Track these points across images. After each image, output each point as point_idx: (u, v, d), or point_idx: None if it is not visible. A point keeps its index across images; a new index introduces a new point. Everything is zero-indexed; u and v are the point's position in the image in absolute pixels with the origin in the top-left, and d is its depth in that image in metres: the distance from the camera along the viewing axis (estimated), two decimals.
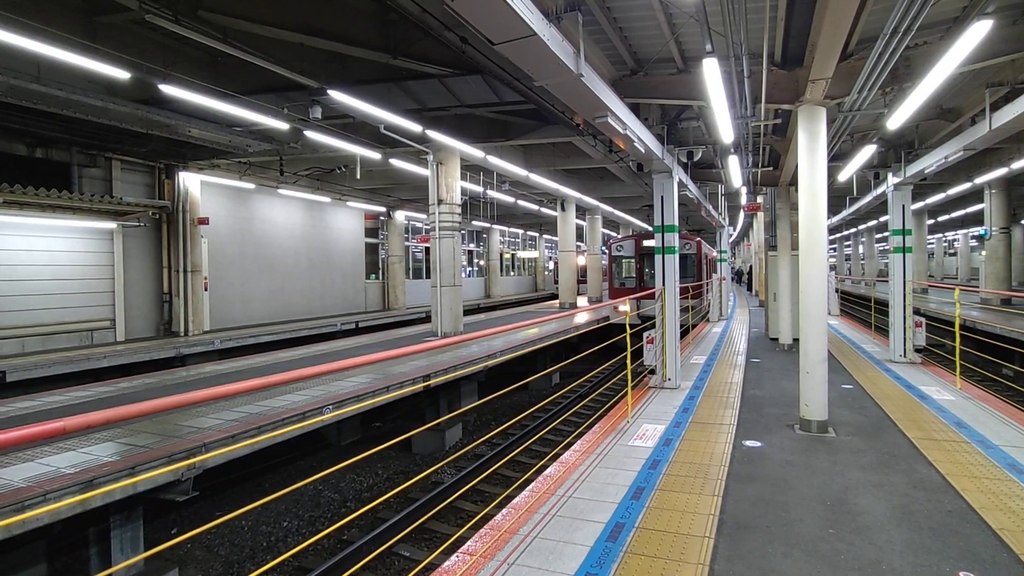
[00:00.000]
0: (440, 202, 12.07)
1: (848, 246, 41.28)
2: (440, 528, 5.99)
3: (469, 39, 6.32)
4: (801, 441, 5.26)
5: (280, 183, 15.16)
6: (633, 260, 18.16)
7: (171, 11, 6.46)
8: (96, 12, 7.83)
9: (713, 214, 17.11)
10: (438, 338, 11.76)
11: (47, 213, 10.36)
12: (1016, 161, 11.68)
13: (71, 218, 10.84)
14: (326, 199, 17.60)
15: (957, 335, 7.06)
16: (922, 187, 17.17)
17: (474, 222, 23.32)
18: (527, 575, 3.07)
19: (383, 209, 20.71)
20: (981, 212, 18.42)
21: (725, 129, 6.93)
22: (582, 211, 22.60)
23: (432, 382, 7.95)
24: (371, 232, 20.92)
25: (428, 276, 17.96)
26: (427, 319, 16.20)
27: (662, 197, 7.61)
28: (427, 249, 21.19)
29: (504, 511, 3.83)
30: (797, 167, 5.88)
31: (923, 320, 8.94)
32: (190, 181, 13.24)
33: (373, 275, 21.03)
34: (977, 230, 22.51)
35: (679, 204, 7.88)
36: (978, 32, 4.13)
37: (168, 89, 7.54)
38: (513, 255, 33.69)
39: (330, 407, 6.19)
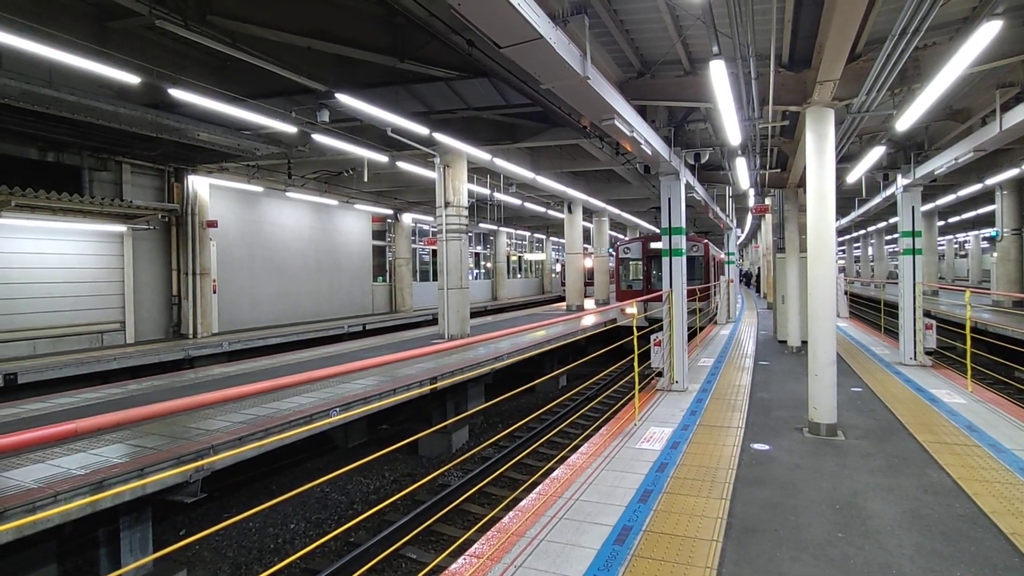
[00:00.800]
0: (447, 204, 12.09)
1: (857, 248, 41.03)
2: (447, 530, 5.99)
3: (476, 42, 6.34)
4: (810, 444, 5.22)
5: (288, 186, 15.25)
6: (640, 262, 18.13)
7: (180, 16, 6.53)
8: (107, 18, 7.93)
9: (721, 216, 17.05)
10: (445, 340, 11.78)
11: (58, 216, 10.48)
12: None
13: (82, 221, 10.95)
14: (334, 202, 17.70)
15: (968, 338, 6.99)
16: (932, 188, 17.05)
17: (481, 224, 23.34)
18: None
19: (390, 212, 20.79)
20: (992, 213, 18.25)
21: (732, 131, 6.90)
22: (589, 213, 22.59)
23: (439, 384, 7.96)
24: (378, 235, 21.00)
25: (435, 278, 17.98)
26: (434, 321, 16.23)
27: (669, 199, 7.59)
28: (434, 251, 21.27)
29: (511, 514, 3.83)
30: (805, 169, 5.86)
31: (933, 322, 8.86)
32: (199, 184, 13.35)
33: (380, 277, 21.10)
34: (988, 231, 22.32)
35: (686, 206, 7.86)
36: (988, 33, 4.10)
37: (177, 93, 7.61)
38: (520, 257, 33.71)
39: (337, 409, 6.21)
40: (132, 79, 7.10)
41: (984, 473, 4.34)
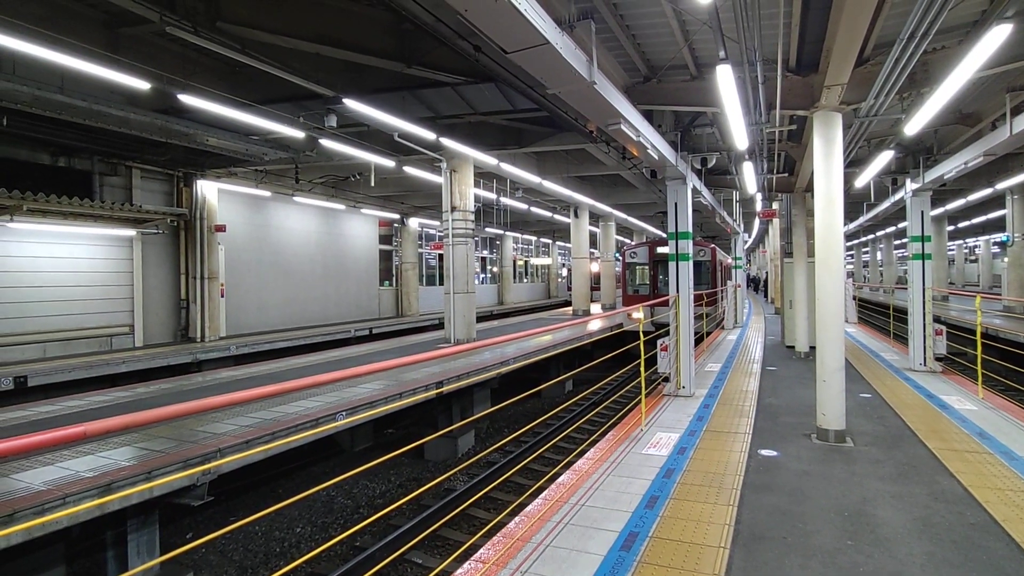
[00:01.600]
0: (454, 209, 12.12)
1: (866, 252, 40.75)
2: (452, 535, 5.98)
3: (483, 48, 6.36)
4: (818, 451, 5.18)
5: (295, 191, 15.34)
6: (647, 267, 18.06)
7: (191, 23, 6.59)
8: (118, 24, 8.03)
9: (728, 220, 16.99)
10: (451, 345, 11.79)
11: (69, 221, 10.58)
12: None
13: (92, 225, 11.05)
14: (341, 206, 17.78)
15: (979, 343, 6.92)
16: (941, 193, 16.93)
17: (487, 229, 23.40)
18: None
19: (397, 216, 20.86)
20: (1003, 218, 18.10)
21: (739, 135, 6.89)
22: (595, 218, 22.59)
23: (445, 389, 7.96)
24: (385, 239, 21.07)
25: (441, 283, 18.04)
26: (440, 326, 16.25)
27: (676, 204, 7.58)
28: (440, 256, 21.30)
29: (517, 519, 3.82)
30: (813, 173, 5.83)
31: (943, 328, 8.78)
32: (207, 189, 13.45)
33: (387, 282, 21.15)
34: (999, 236, 22.12)
35: (693, 211, 7.84)
36: (998, 36, 4.07)
37: (187, 99, 7.68)
38: (526, 262, 33.72)
39: (343, 413, 6.22)
40: (142, 85, 7.19)
41: (996, 481, 4.29)
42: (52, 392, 8.81)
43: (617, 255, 23.34)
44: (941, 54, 5.73)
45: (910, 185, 9.10)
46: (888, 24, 5.32)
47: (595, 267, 25.32)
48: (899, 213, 15.90)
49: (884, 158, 9.02)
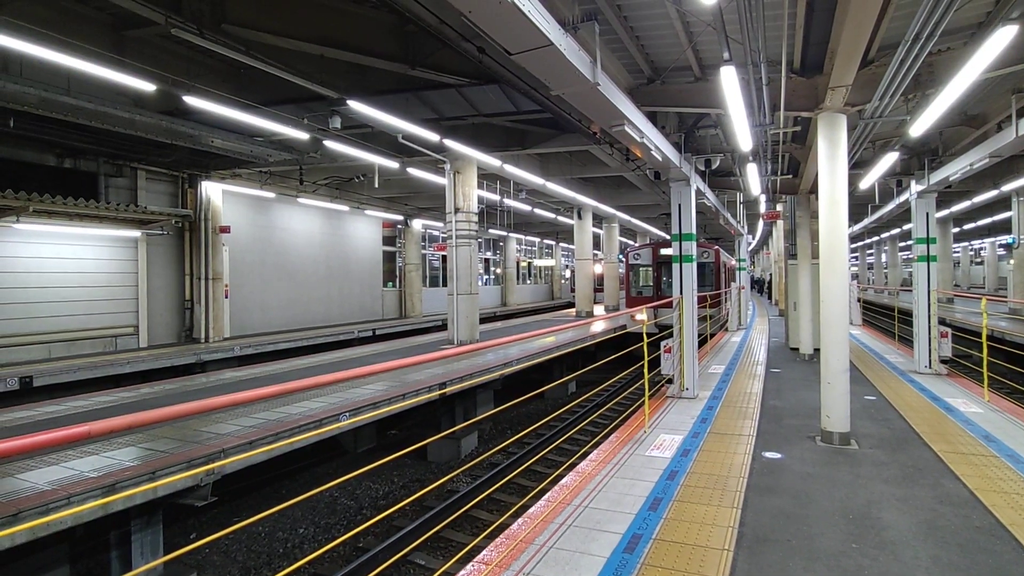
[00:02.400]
0: (457, 210, 12.13)
1: (870, 254, 40.63)
2: (455, 537, 5.97)
3: (486, 49, 6.37)
4: (822, 453, 5.16)
5: (299, 192, 15.38)
6: (650, 268, 18.05)
7: (196, 25, 6.62)
8: (124, 27, 8.07)
9: (732, 222, 16.95)
10: (454, 346, 11.79)
11: (75, 222, 10.63)
12: None
13: (97, 226, 11.10)
14: (344, 208, 17.82)
15: (984, 346, 6.88)
16: (947, 195, 16.81)
17: (491, 230, 23.39)
18: None
19: (400, 217, 20.89)
20: (1009, 220, 18.01)
21: (743, 137, 6.88)
22: (599, 219, 22.57)
23: (448, 390, 7.96)
24: (388, 240, 21.11)
25: (445, 284, 18.06)
26: (443, 327, 16.27)
27: (679, 205, 7.56)
28: (444, 257, 21.30)
29: (520, 520, 3.81)
30: (817, 175, 5.81)
31: (949, 330, 8.74)
32: (212, 190, 13.50)
33: (390, 283, 21.18)
34: (1005, 238, 21.99)
35: (697, 212, 7.83)
36: (1003, 38, 4.06)
37: (192, 100, 7.71)
38: (529, 263, 33.73)
39: (347, 414, 6.22)
40: (148, 87, 7.22)
41: (1002, 484, 4.26)
42: (57, 392, 8.84)
43: (620, 257, 23.31)
44: (946, 55, 5.72)
45: (915, 187, 9.07)
46: (893, 25, 5.31)
47: (598, 269, 25.30)
48: (904, 215, 15.85)
49: (889, 160, 8.99)
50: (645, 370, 5.81)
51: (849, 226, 5.88)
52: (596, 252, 26.01)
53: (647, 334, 5.73)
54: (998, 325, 12.76)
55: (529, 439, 8.82)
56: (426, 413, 8.71)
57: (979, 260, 41.22)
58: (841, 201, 5.58)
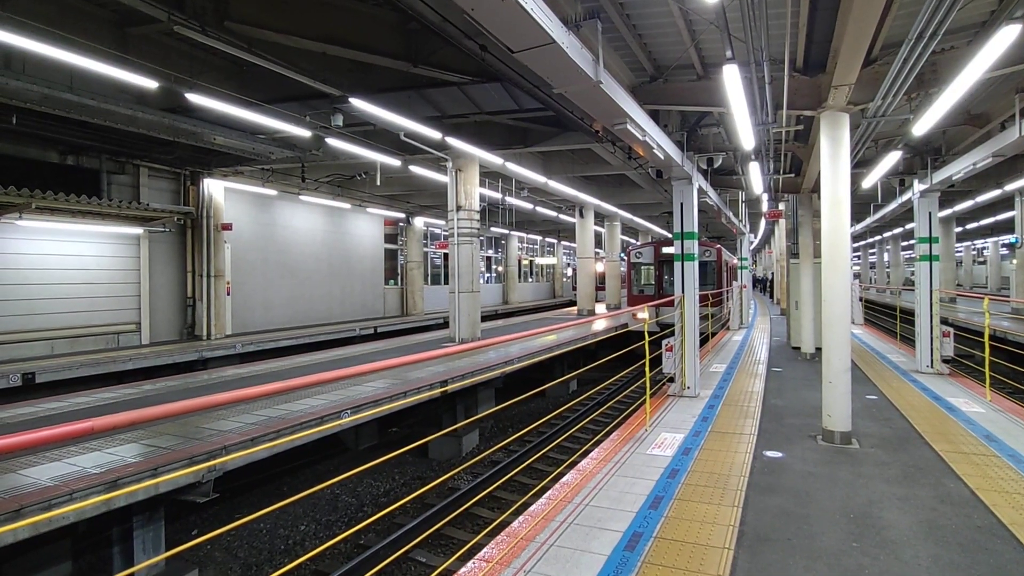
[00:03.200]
0: (459, 208, 12.13)
1: (872, 254, 40.55)
2: (456, 534, 5.98)
3: (489, 47, 6.37)
4: (824, 452, 5.16)
5: (302, 189, 15.39)
6: (652, 267, 18.05)
7: (198, 22, 6.63)
8: (127, 24, 8.07)
9: (733, 221, 16.94)
10: (456, 344, 11.80)
11: (77, 219, 10.65)
12: None
13: (100, 223, 11.12)
14: (346, 205, 17.82)
15: (987, 346, 6.87)
16: (949, 194, 16.81)
17: (492, 228, 23.40)
18: None
19: (402, 215, 20.90)
20: (1012, 219, 17.97)
21: (746, 135, 6.87)
22: (601, 218, 22.55)
23: (449, 388, 7.97)
24: (390, 238, 21.11)
25: (446, 282, 18.06)
26: (445, 325, 16.28)
27: (681, 204, 7.56)
28: (445, 255, 21.30)
29: (521, 518, 3.82)
30: (820, 174, 5.80)
31: (951, 330, 8.72)
32: (214, 187, 13.51)
33: (392, 281, 21.19)
34: (1008, 238, 21.96)
35: (699, 211, 7.82)
36: (1007, 36, 4.04)
37: (194, 98, 7.71)
38: (531, 261, 33.71)
39: (348, 411, 6.24)
40: (150, 84, 7.22)
41: (1003, 484, 4.26)
42: (60, 389, 8.87)
43: (622, 255, 23.30)
44: (950, 54, 5.70)
45: (918, 186, 9.04)
46: (896, 24, 5.30)
47: (600, 267, 25.29)
48: (906, 214, 15.80)
49: (892, 159, 8.97)
50: (646, 368, 5.81)
51: (851, 225, 5.88)
52: (598, 250, 25.99)
53: (648, 333, 5.73)
54: (1000, 325, 12.74)
55: (530, 437, 8.82)
56: (427, 411, 8.71)
57: (982, 260, 41.13)
58: (843, 200, 5.57)
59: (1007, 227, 23.10)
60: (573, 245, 25.38)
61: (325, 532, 6.29)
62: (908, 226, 25.08)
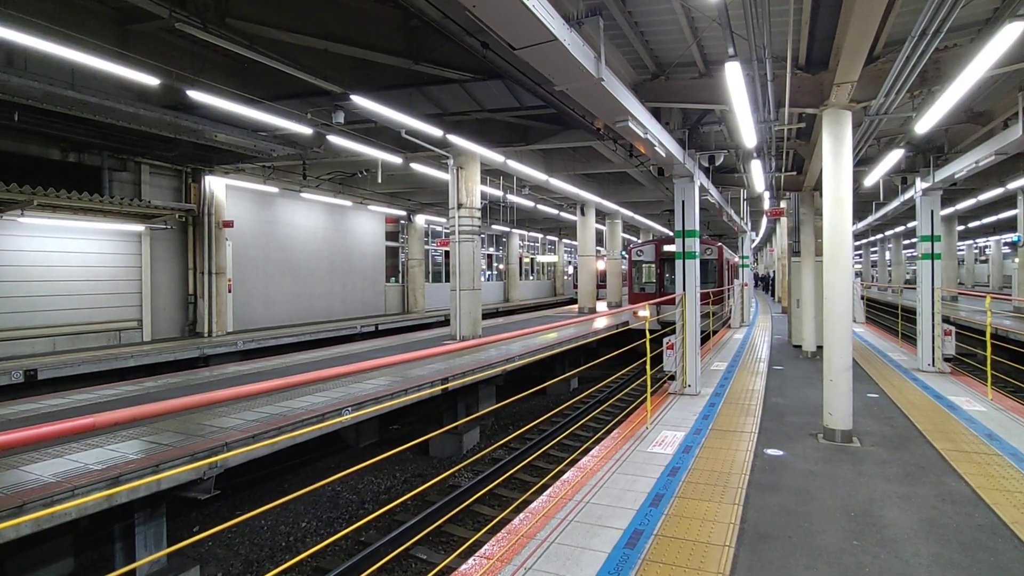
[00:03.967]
0: (460, 206, 12.12)
1: (874, 252, 40.47)
2: (457, 531, 5.99)
3: (490, 44, 6.35)
4: (824, 451, 5.15)
5: (303, 187, 15.39)
6: (653, 265, 18.03)
7: (200, 19, 6.62)
8: (128, 21, 8.06)
9: (735, 219, 16.91)
10: (457, 341, 11.80)
11: (79, 216, 10.66)
12: None
13: (101, 221, 11.13)
14: (348, 203, 17.82)
15: (988, 344, 6.86)
16: (952, 192, 16.77)
17: (493, 226, 23.38)
18: None
19: (403, 213, 20.89)
20: (1014, 218, 17.92)
21: (748, 133, 6.85)
22: (602, 216, 22.53)
23: (450, 385, 7.98)
24: (391, 235, 21.11)
25: (447, 280, 18.06)
26: (446, 323, 16.28)
27: (683, 202, 7.55)
28: (447, 253, 21.34)
29: (521, 515, 3.82)
30: (822, 172, 5.79)
31: (953, 328, 8.71)
32: (215, 185, 13.51)
33: (393, 278, 21.20)
34: (1010, 236, 21.90)
35: (700, 209, 7.81)
36: (1010, 34, 4.03)
37: (196, 95, 7.71)
38: (532, 259, 33.70)
39: (349, 409, 6.24)
40: (152, 81, 7.22)
41: (1004, 483, 4.26)
42: (61, 386, 8.89)
43: (623, 253, 23.28)
44: (952, 52, 5.68)
45: (920, 184, 9.02)
46: (899, 21, 5.27)
47: (601, 265, 25.27)
48: (908, 212, 15.75)
49: (894, 157, 8.94)
50: (647, 366, 5.81)
51: (853, 223, 5.86)
52: (599, 248, 25.97)
53: (649, 331, 5.73)
54: (1002, 323, 12.72)
55: (531, 435, 8.83)
56: (428, 408, 8.73)
57: (984, 258, 41.04)
58: (845, 198, 5.55)
59: (1009, 225, 23.03)
60: (574, 243, 25.36)
61: (326, 529, 6.31)
62: (910, 224, 25.03)
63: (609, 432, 5.73)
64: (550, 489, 4.27)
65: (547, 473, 7.24)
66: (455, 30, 6.37)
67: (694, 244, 7.47)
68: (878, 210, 16.73)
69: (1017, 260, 17.60)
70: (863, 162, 10.07)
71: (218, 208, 13.55)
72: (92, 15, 7.88)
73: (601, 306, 22.55)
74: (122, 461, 4.59)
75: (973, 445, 5.17)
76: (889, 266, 34.96)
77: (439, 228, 23.63)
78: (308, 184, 15.20)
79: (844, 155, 5.56)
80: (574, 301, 26.07)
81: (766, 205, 16.02)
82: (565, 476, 4.53)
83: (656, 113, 6.76)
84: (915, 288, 9.32)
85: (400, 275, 21.56)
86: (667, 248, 17.10)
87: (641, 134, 5.50)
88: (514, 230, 27.46)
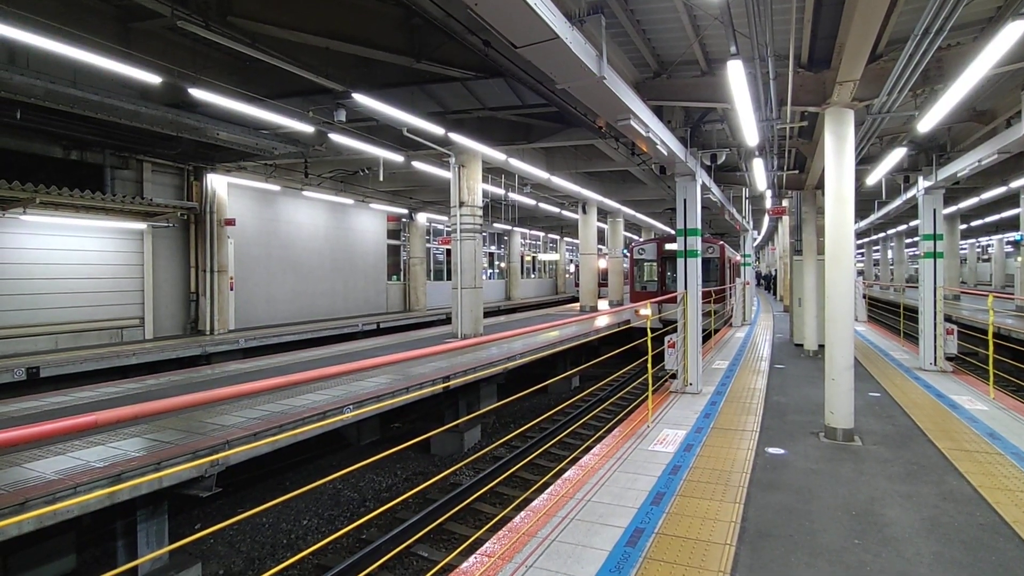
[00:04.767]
0: (462, 204, 12.12)
1: (876, 251, 40.41)
2: (458, 529, 6.00)
3: (492, 42, 6.35)
4: (826, 449, 5.15)
5: (304, 185, 15.40)
6: (655, 263, 18.03)
7: (202, 17, 6.62)
8: (130, 19, 8.06)
9: (737, 218, 16.89)
10: (458, 340, 11.81)
11: (81, 214, 10.68)
12: None
13: (103, 219, 11.15)
14: (349, 201, 17.83)
15: (991, 343, 6.85)
16: (954, 191, 16.73)
17: (495, 224, 23.38)
18: None
19: (405, 211, 20.89)
20: (1017, 217, 17.87)
21: (750, 132, 6.84)
22: (604, 214, 22.52)
23: (452, 383, 7.99)
24: (393, 234, 21.12)
25: (449, 278, 18.05)
26: (447, 321, 16.27)
27: (685, 200, 7.54)
28: (448, 251, 21.33)
29: (522, 514, 3.83)
30: (824, 170, 5.78)
31: (955, 327, 8.69)
32: (217, 183, 13.52)
33: (395, 276, 21.21)
34: (1013, 235, 21.85)
35: (702, 207, 7.80)
36: (1013, 33, 4.01)
37: (198, 93, 7.71)
38: (534, 258, 33.69)
39: (350, 407, 6.25)
40: (154, 79, 7.22)
41: (1006, 482, 4.25)
42: (64, 383, 8.90)
43: (625, 251, 23.27)
44: (955, 51, 5.66)
45: (922, 183, 9.00)
46: (902, 20, 5.26)
47: (603, 263, 25.26)
48: (911, 211, 15.73)
49: (896, 155, 8.92)
50: (649, 365, 5.81)
51: (855, 222, 5.85)
52: (601, 247, 25.95)
53: (651, 329, 5.73)
54: (1005, 322, 12.69)
55: (532, 433, 8.84)
56: (430, 406, 8.73)
57: (986, 257, 40.96)
58: (847, 197, 5.54)
59: (1012, 224, 22.98)
60: (576, 241, 25.34)
61: (327, 527, 6.32)
62: (912, 223, 24.98)
63: (610, 430, 5.73)
64: (551, 487, 4.28)
65: (548, 471, 7.24)
66: (457, 28, 6.36)
67: (696, 242, 7.46)
68: (880, 209, 16.71)
69: (1019, 259, 17.55)
70: (865, 160, 10.04)
71: (220, 206, 13.56)
72: (94, 13, 7.88)
73: (603, 304, 22.55)
74: (124, 459, 4.60)
75: (975, 444, 5.16)
76: (891, 265, 34.90)
77: (441, 226, 23.63)
78: (310, 182, 15.20)
79: (846, 153, 5.55)
80: (575, 299, 26.07)
81: (768, 204, 15.99)
82: (566, 474, 4.53)
83: (658, 111, 6.75)
84: (917, 287, 9.30)
85: (402, 273, 21.57)
86: (669, 246, 17.09)
87: (643, 132, 5.50)
88: (516, 228, 27.45)
